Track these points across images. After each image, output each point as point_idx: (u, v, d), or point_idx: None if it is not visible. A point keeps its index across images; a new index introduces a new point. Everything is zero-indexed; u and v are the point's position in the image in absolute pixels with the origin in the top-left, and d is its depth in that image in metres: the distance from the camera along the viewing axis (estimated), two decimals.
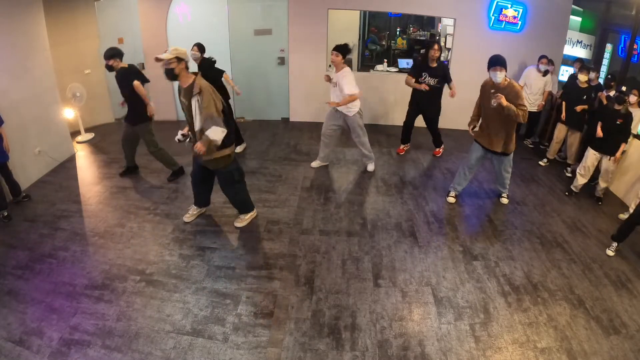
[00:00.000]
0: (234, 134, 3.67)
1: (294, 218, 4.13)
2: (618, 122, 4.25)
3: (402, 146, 5.88)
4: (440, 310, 3.04)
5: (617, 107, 4.26)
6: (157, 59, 3.22)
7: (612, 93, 4.96)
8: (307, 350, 2.70)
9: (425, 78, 5.16)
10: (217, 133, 3.28)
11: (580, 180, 4.70)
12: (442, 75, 5.18)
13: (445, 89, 5.34)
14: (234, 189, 3.82)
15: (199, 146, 3.30)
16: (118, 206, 4.34)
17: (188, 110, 3.40)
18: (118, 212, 4.22)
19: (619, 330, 2.92)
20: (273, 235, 3.86)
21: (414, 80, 5.23)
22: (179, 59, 3.25)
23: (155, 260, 3.51)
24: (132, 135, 4.71)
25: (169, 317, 2.94)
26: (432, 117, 5.51)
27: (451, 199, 4.51)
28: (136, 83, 4.38)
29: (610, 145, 4.38)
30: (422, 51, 8.07)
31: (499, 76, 3.73)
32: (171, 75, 3.28)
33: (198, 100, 3.28)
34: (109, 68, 4.38)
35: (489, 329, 2.89)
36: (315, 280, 3.30)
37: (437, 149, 5.85)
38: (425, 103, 5.36)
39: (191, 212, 4.07)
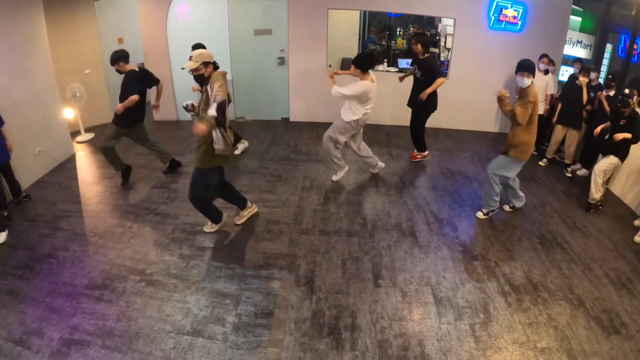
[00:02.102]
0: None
1: (294, 218, 4.13)
2: (621, 123, 4.24)
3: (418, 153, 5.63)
4: (440, 310, 3.04)
5: (622, 110, 4.23)
6: (191, 70, 3.28)
7: (612, 93, 4.97)
8: (307, 350, 2.70)
9: (415, 69, 5.14)
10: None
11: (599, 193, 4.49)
12: (426, 70, 5.01)
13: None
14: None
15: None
16: (118, 206, 4.34)
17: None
18: (118, 212, 4.22)
19: (619, 330, 2.91)
20: (273, 235, 3.86)
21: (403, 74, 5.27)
22: (206, 63, 3.29)
23: (155, 260, 3.51)
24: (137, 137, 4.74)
25: (169, 317, 2.94)
26: (417, 112, 5.31)
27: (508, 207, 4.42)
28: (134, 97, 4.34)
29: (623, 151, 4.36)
30: None
31: (527, 81, 3.68)
32: (202, 79, 3.34)
33: (208, 89, 3.30)
34: (119, 72, 4.41)
35: (489, 329, 2.89)
36: (315, 280, 3.30)
37: (417, 153, 5.56)
38: (414, 98, 5.19)
39: (242, 214, 4.04)
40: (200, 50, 3.35)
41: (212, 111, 3.14)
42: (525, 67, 3.68)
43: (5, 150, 4.06)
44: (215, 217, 3.86)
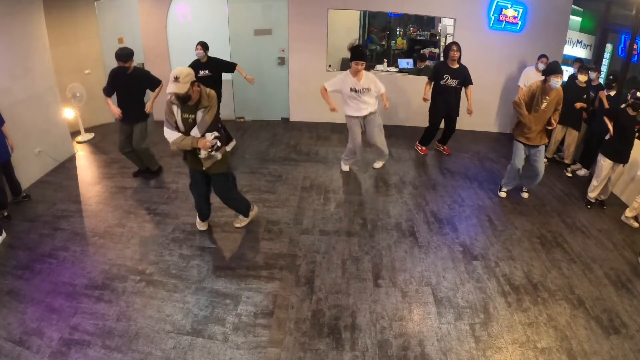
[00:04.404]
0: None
1: (294, 218, 4.13)
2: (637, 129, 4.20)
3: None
4: (440, 310, 3.04)
5: (631, 113, 4.13)
6: (177, 95, 3.06)
7: (612, 93, 4.97)
8: (307, 350, 2.70)
9: (447, 80, 5.20)
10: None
11: (597, 191, 4.51)
12: (463, 77, 5.23)
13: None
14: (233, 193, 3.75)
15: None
16: (118, 206, 4.34)
17: (191, 125, 3.24)
18: (118, 212, 4.22)
19: (619, 330, 2.92)
20: (273, 235, 3.86)
21: (429, 86, 5.32)
22: (192, 82, 3.08)
23: (155, 260, 3.51)
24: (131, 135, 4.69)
25: (169, 317, 2.94)
26: (455, 117, 5.56)
27: (503, 194, 4.69)
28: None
29: (625, 152, 4.29)
30: (422, 51, 8.08)
31: (560, 83, 3.98)
32: (188, 99, 3.13)
33: (204, 112, 3.20)
34: (126, 69, 4.32)
35: (489, 329, 2.89)
36: (315, 280, 3.30)
37: (446, 147, 5.88)
38: (452, 105, 5.41)
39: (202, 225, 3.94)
40: (186, 70, 3.08)
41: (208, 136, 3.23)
42: (560, 69, 3.95)
43: (7, 148, 4.06)
44: (248, 206, 3.91)
